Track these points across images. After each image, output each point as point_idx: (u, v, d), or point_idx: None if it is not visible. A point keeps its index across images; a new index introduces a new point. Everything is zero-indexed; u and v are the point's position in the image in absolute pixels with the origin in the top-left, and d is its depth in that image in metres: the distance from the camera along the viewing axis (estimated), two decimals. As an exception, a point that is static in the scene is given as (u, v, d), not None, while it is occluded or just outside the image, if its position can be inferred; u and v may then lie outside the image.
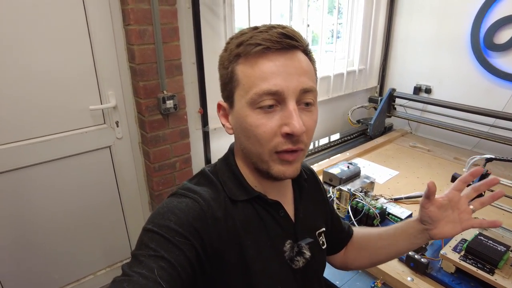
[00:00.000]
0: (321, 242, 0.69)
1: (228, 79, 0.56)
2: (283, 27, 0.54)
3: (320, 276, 0.72)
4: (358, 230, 0.85)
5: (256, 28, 0.55)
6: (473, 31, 1.95)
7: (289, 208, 0.64)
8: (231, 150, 0.63)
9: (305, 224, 0.66)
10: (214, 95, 1.66)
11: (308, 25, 1.93)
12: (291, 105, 0.52)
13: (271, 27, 0.54)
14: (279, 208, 0.61)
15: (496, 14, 1.85)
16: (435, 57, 2.18)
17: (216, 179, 0.59)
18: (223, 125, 0.60)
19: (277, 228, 0.61)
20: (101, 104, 1.43)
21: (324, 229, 0.71)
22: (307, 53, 0.57)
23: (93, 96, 1.41)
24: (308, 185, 0.71)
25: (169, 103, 1.45)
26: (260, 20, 1.80)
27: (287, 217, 0.62)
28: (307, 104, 0.55)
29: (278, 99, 0.52)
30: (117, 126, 1.49)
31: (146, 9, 1.32)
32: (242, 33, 0.56)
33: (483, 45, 1.93)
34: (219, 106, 0.61)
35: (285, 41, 0.52)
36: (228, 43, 0.57)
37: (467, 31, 1.97)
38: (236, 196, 0.58)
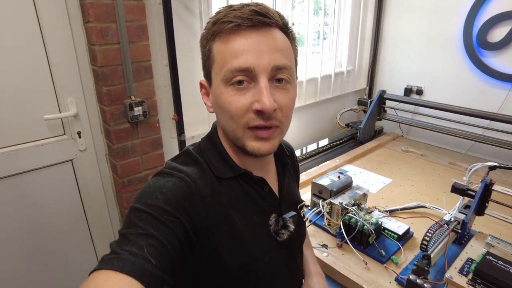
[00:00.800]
0: (302, 215, 0.73)
1: (206, 57, 0.57)
2: (257, 5, 0.53)
3: (301, 247, 0.77)
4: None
5: (231, 6, 0.55)
6: (466, 29, 1.86)
7: (273, 184, 0.67)
8: (214, 129, 0.64)
9: (288, 199, 0.69)
10: (190, 99, 1.51)
11: (293, 24, 1.80)
12: (263, 82, 0.53)
13: (244, 5, 0.54)
14: (264, 184, 0.64)
15: (489, 11, 1.77)
16: (426, 57, 2.09)
17: (201, 158, 0.60)
18: (205, 104, 0.62)
19: (263, 203, 0.63)
20: (59, 112, 1.26)
21: (304, 202, 0.76)
22: (285, 31, 0.57)
23: (49, 104, 1.24)
24: (290, 162, 0.74)
25: (138, 110, 1.29)
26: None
27: (271, 193, 0.65)
28: (280, 80, 0.55)
29: (250, 76, 0.53)
30: (80, 137, 1.32)
31: (108, 4, 1.16)
32: (218, 12, 0.56)
33: (476, 44, 1.84)
34: (201, 85, 0.62)
35: (256, 18, 0.52)
36: (208, 22, 0.58)
37: (460, 30, 1.88)
38: (222, 174, 0.59)
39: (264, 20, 0.52)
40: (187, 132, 1.51)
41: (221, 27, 0.53)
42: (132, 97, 1.29)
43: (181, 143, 1.48)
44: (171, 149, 1.52)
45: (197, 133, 1.56)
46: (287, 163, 0.71)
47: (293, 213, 0.67)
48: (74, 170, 1.36)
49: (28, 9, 1.13)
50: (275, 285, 0.67)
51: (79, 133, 1.32)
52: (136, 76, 1.29)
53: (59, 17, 1.18)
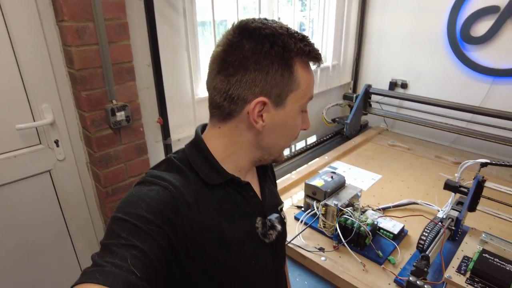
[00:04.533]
0: (283, 216, 0.74)
1: (284, 78, 0.56)
2: (310, 43, 0.59)
3: (285, 248, 0.79)
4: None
5: (287, 30, 0.57)
6: (450, 24, 1.87)
7: (256, 188, 0.68)
8: (199, 136, 0.63)
9: (270, 202, 0.70)
10: (176, 101, 1.44)
11: (279, 18, 1.75)
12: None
13: (306, 37, 0.59)
14: (250, 189, 0.64)
15: (472, 5, 1.78)
16: (411, 51, 2.09)
17: (184, 166, 0.59)
18: (254, 121, 0.58)
19: (248, 207, 0.63)
20: (33, 121, 1.16)
21: (283, 204, 0.77)
22: None
23: (21, 112, 1.14)
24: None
25: (120, 115, 1.21)
26: (226, 14, 1.59)
27: (255, 196, 0.66)
28: None
29: None
30: (57, 146, 1.23)
31: (84, 1, 1.07)
32: (283, 30, 0.56)
33: (460, 38, 1.85)
34: (261, 103, 0.57)
35: (320, 59, 0.61)
36: (269, 35, 0.55)
37: (444, 24, 1.89)
38: (212, 180, 0.59)
39: (318, 63, 0.62)
40: (173, 135, 1.44)
41: (304, 49, 0.56)
42: (114, 101, 1.21)
43: (167, 147, 1.42)
44: (156, 154, 1.45)
45: (183, 136, 1.50)
46: (267, 167, 0.73)
47: (276, 214, 0.68)
48: (52, 181, 1.26)
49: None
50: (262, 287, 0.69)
51: (56, 142, 1.23)
52: (118, 79, 1.21)
53: (28, 15, 1.07)
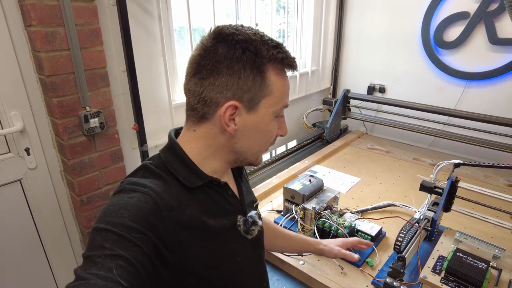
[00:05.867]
0: (259, 213, 0.76)
1: (256, 83, 0.57)
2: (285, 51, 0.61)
3: (263, 243, 0.79)
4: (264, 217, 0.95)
5: (261, 37, 0.58)
6: (424, 29, 1.92)
7: (233, 187, 0.69)
8: (173, 140, 0.63)
9: (247, 199, 0.72)
10: (152, 107, 1.42)
11: (257, 24, 1.76)
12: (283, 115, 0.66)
13: (282, 45, 0.60)
14: (228, 188, 0.66)
15: (444, 11, 1.84)
16: (388, 56, 2.14)
17: (162, 172, 0.59)
18: (225, 124, 0.59)
19: (228, 206, 0.65)
20: (1, 128, 1.12)
21: (258, 201, 0.80)
22: None
23: (-13, 119, 1.10)
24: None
25: (94, 122, 1.18)
26: (202, 19, 1.59)
27: (234, 196, 0.67)
28: None
29: None
30: (28, 154, 1.19)
31: (54, 6, 1.05)
32: (256, 36, 0.57)
33: (433, 43, 1.91)
34: (232, 107, 0.58)
35: (296, 66, 0.62)
36: (242, 41, 0.56)
37: (418, 29, 1.95)
38: (191, 183, 0.59)
39: (293, 70, 0.63)
40: (150, 142, 1.42)
41: (279, 56, 0.57)
42: (87, 108, 1.19)
43: (144, 153, 1.39)
44: (132, 161, 1.42)
45: (160, 142, 1.48)
46: (242, 167, 0.75)
47: (254, 211, 0.71)
48: (23, 191, 1.22)
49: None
50: (247, 283, 0.70)
51: (27, 150, 1.19)
52: (91, 85, 1.18)
53: (-6, 20, 1.04)
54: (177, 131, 0.66)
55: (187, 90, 0.60)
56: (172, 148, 0.62)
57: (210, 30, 0.59)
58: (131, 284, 0.44)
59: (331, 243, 0.99)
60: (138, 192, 0.53)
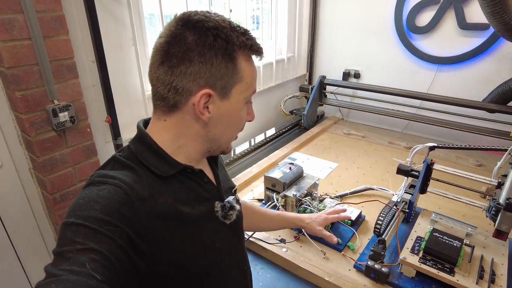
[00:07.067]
0: (237, 198, 0.76)
1: (228, 70, 0.57)
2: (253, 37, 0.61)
3: (243, 227, 0.80)
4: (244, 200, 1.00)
5: (230, 24, 0.58)
6: (396, 15, 1.94)
7: (209, 174, 0.70)
8: (143, 131, 0.61)
9: (224, 186, 0.72)
10: (124, 98, 1.36)
11: (231, 10, 1.71)
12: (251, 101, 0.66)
13: (248, 31, 0.60)
14: (203, 175, 0.65)
15: (416, -4, 1.86)
16: (363, 42, 2.16)
17: (132, 163, 0.58)
18: (200, 112, 0.58)
19: (205, 193, 0.64)
20: (-41, 126, 1.04)
21: (236, 186, 0.80)
22: None
23: None
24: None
25: (63, 116, 1.12)
26: (173, 6, 1.52)
27: (210, 182, 0.67)
28: None
29: None
30: (-9, 152, 1.11)
31: (10, -9, 0.97)
32: (225, 23, 0.57)
33: (406, 28, 1.94)
34: (209, 95, 0.57)
35: (262, 53, 0.63)
36: (212, 28, 0.55)
37: (391, 14, 1.97)
38: (164, 172, 0.58)
39: (260, 56, 0.63)
40: (124, 135, 1.36)
41: (248, 43, 0.58)
42: (55, 101, 1.12)
43: (118, 147, 1.34)
44: (107, 155, 1.35)
45: (135, 134, 1.42)
46: (216, 155, 0.76)
47: (232, 196, 0.71)
48: (-12, 191, 1.15)
49: None
50: (228, 269, 0.71)
51: (-10, 148, 1.11)
52: (58, 77, 1.11)
53: None
54: (146, 122, 0.64)
55: (155, 79, 0.57)
56: (142, 138, 0.61)
57: (176, 15, 0.57)
58: (105, 277, 0.43)
59: (314, 222, 1.04)
60: (108, 184, 0.52)
